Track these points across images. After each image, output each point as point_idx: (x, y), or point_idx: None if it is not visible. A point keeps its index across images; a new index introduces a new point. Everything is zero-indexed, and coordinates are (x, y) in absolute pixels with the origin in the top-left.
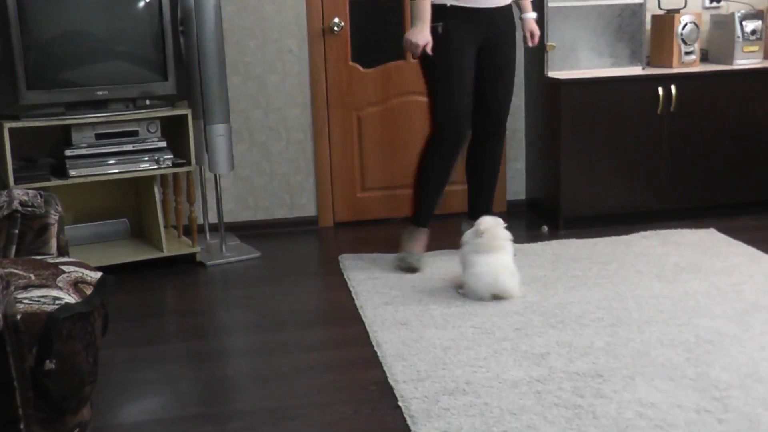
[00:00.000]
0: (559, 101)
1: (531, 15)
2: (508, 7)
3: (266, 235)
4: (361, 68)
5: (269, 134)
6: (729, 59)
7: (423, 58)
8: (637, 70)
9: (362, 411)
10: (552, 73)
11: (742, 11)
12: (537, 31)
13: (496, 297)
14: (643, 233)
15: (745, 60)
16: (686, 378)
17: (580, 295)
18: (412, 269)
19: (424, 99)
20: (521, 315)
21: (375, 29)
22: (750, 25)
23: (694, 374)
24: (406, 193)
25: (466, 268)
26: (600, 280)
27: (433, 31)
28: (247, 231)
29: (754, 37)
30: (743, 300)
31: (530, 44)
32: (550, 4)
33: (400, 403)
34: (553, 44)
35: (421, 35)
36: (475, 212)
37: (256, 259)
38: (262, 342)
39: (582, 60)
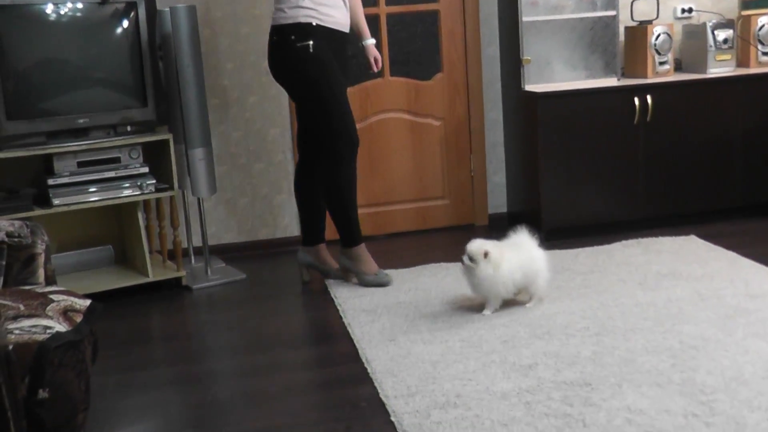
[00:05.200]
0: (536, 114)
1: (371, 41)
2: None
3: (251, 257)
4: None
5: (250, 156)
6: (702, 68)
7: (295, 81)
8: (612, 82)
9: (354, 427)
10: (528, 87)
11: (714, 21)
12: (379, 56)
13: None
14: (624, 242)
15: (718, 68)
16: (673, 383)
17: (564, 305)
18: (387, 284)
19: (403, 116)
20: (507, 327)
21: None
22: (722, 35)
23: (680, 379)
24: (389, 210)
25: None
26: (583, 289)
27: (304, 50)
28: (231, 253)
29: (726, 46)
30: (725, 305)
31: (375, 70)
32: (524, 18)
33: (392, 418)
34: (529, 58)
35: None
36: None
37: (241, 280)
38: (250, 363)
39: (557, 73)
